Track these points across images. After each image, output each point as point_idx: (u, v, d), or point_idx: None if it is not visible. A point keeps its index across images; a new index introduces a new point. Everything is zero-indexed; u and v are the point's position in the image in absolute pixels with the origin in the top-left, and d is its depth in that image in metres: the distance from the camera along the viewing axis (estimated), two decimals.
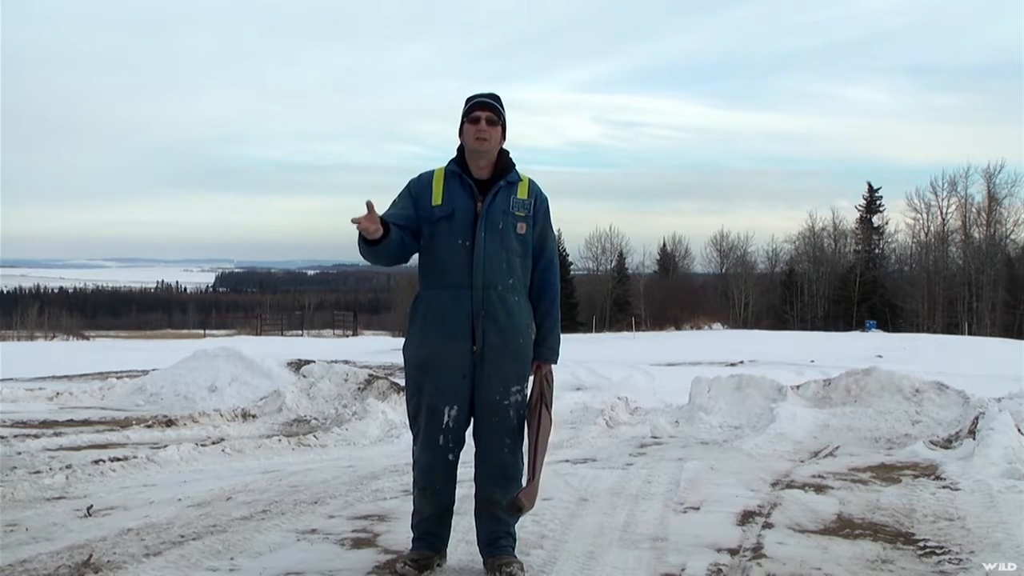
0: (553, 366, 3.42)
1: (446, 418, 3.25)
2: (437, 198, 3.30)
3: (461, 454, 3.34)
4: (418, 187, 3.35)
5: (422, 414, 3.29)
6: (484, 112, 3.29)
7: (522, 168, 3.41)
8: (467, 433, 3.34)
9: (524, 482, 3.27)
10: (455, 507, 3.43)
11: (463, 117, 3.33)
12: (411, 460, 3.41)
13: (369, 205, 3.07)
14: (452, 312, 3.23)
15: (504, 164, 3.35)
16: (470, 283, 3.23)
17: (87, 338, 44.28)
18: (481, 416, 3.29)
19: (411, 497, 3.44)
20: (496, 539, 3.31)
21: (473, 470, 3.37)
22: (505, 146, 3.38)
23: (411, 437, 3.41)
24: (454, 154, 3.39)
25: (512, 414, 3.28)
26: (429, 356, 3.27)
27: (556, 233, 3.54)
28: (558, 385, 3.63)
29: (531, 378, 3.37)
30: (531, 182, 3.39)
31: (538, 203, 3.37)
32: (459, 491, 3.43)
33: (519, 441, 3.32)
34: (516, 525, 3.39)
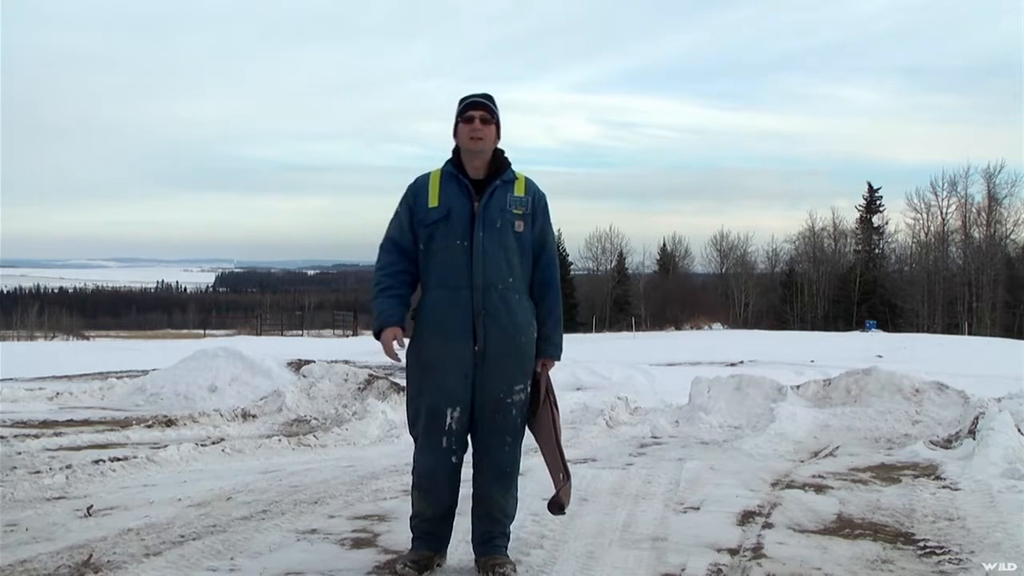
0: (551, 364, 3.41)
1: (449, 419, 3.22)
2: (433, 200, 3.29)
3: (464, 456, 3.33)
4: (413, 194, 3.36)
5: (423, 417, 3.27)
6: (478, 111, 3.30)
7: (519, 168, 3.40)
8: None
9: (554, 482, 3.33)
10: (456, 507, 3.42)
11: (457, 117, 3.33)
12: (411, 461, 3.39)
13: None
14: (452, 313, 3.22)
15: (500, 163, 3.35)
16: (470, 283, 3.22)
17: (87, 338, 44.30)
18: (483, 414, 3.26)
19: (411, 497, 3.43)
20: (491, 538, 3.31)
21: (472, 469, 3.36)
22: (502, 146, 3.38)
23: (411, 437, 3.39)
24: (451, 155, 3.39)
25: (515, 412, 3.28)
26: (431, 358, 3.26)
27: (556, 233, 3.55)
28: (558, 385, 3.63)
29: (535, 375, 3.37)
30: (527, 180, 3.38)
31: (536, 201, 3.37)
32: (459, 491, 3.42)
33: (519, 439, 3.32)
34: (515, 525, 3.39)
